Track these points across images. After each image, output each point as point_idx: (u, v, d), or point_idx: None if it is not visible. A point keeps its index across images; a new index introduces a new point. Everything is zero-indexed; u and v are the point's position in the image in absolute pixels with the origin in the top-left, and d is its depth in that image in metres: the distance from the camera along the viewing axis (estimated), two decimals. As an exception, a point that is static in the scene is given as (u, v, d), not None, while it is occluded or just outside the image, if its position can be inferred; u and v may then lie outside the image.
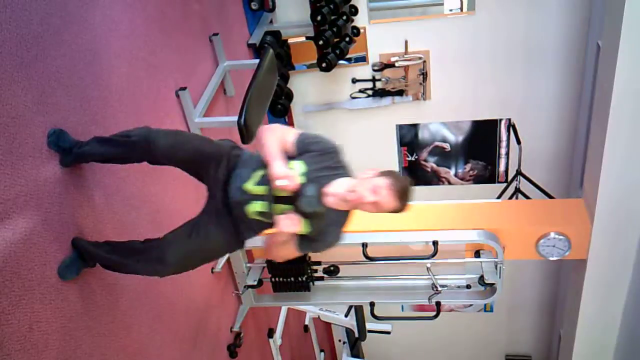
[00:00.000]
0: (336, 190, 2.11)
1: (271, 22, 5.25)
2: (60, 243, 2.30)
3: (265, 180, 2.15)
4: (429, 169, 6.11)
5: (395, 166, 6.11)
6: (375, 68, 5.55)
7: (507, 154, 5.86)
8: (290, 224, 2.10)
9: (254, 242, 3.78)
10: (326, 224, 2.18)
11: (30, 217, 2.15)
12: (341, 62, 5.29)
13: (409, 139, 5.95)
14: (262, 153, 2.16)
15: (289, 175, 2.07)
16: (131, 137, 2.26)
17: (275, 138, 2.16)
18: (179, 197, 3.40)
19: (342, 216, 2.22)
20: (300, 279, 4.03)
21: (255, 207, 2.19)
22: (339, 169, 2.19)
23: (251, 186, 2.19)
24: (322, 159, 2.17)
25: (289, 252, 2.25)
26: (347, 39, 5.10)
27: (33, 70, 2.21)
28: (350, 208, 2.17)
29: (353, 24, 5.21)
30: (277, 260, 2.32)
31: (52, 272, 2.25)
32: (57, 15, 2.40)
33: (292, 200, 2.13)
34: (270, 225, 2.20)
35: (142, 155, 2.30)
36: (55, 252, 2.27)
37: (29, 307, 2.12)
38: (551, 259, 3.95)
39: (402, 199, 2.10)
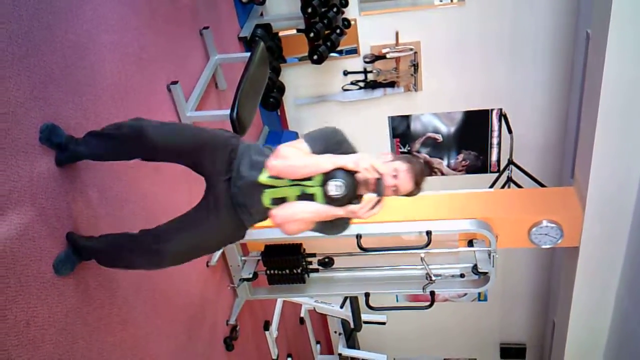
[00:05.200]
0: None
1: (261, 15, 5.24)
2: (55, 238, 2.31)
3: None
4: (421, 160, 6.12)
5: (387, 158, 6.12)
6: (367, 60, 5.55)
7: (499, 143, 5.89)
8: (375, 210, 2.14)
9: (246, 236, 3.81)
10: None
11: (25, 212, 2.15)
12: (332, 54, 5.29)
13: (401, 130, 5.97)
14: (310, 171, 2.14)
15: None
16: (122, 128, 2.26)
17: (297, 151, 2.17)
18: (173, 192, 3.40)
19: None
20: (295, 271, 4.03)
21: (270, 195, 2.21)
22: (343, 145, 2.24)
23: (265, 179, 2.20)
24: (336, 148, 2.22)
25: (304, 228, 2.25)
26: (338, 31, 5.10)
27: (24, 66, 2.20)
28: (370, 191, 2.18)
29: (343, 15, 5.21)
30: (286, 233, 2.28)
31: (48, 267, 2.26)
32: (48, 11, 2.39)
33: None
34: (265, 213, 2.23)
35: (134, 149, 2.29)
36: (50, 248, 2.27)
37: (26, 302, 2.12)
38: (544, 247, 3.98)
39: (419, 182, 2.17)
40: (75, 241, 2.38)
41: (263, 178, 2.20)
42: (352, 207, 2.13)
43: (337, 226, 2.28)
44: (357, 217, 2.16)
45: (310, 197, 2.18)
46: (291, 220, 2.20)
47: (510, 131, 5.24)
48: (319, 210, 2.16)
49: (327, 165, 2.11)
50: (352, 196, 2.13)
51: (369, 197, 2.15)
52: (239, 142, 2.32)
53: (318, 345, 6.59)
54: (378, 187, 2.09)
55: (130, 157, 2.35)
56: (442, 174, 6.19)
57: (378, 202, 2.13)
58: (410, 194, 2.20)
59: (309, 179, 2.16)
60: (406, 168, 2.14)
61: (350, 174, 2.10)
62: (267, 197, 2.22)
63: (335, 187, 2.07)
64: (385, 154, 2.22)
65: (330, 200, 2.12)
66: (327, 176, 2.10)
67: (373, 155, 2.17)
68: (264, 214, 2.29)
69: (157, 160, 2.35)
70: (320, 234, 2.32)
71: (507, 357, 7.87)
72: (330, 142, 2.22)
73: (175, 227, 2.29)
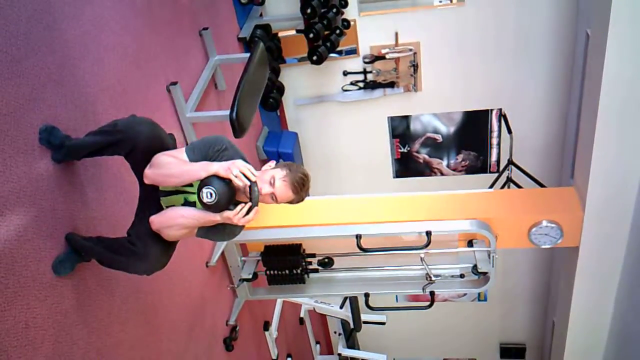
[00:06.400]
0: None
1: (261, 15, 5.23)
2: (54, 239, 2.31)
3: None
4: (421, 160, 6.13)
5: (387, 158, 6.13)
6: (366, 60, 5.55)
7: (499, 144, 5.89)
8: (250, 216, 2.16)
9: (246, 236, 3.81)
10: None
11: (24, 213, 2.15)
12: (332, 54, 5.29)
13: (400, 130, 5.97)
14: (185, 179, 2.17)
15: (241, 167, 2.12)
16: (118, 125, 2.27)
17: (174, 160, 2.19)
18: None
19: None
20: (294, 271, 4.03)
21: (165, 203, 2.28)
22: (225, 152, 2.24)
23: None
24: (216, 156, 2.23)
25: (185, 234, 2.29)
26: (338, 31, 5.10)
27: (23, 67, 2.20)
28: (247, 198, 2.18)
29: (343, 16, 5.21)
30: (167, 238, 2.32)
31: (47, 268, 2.26)
32: (46, 12, 2.39)
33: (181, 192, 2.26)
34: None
35: (126, 145, 2.28)
36: (49, 248, 2.27)
37: (25, 303, 2.12)
38: (543, 247, 3.97)
39: (297, 190, 2.18)
40: (75, 242, 2.38)
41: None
42: (227, 213, 2.16)
43: (224, 232, 2.31)
44: (234, 223, 2.19)
45: (193, 204, 2.24)
46: (168, 225, 2.24)
47: (510, 131, 5.24)
48: (195, 215, 2.21)
49: (201, 173, 2.13)
50: (227, 202, 2.15)
51: (244, 204, 2.18)
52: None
53: (318, 346, 6.59)
54: (251, 193, 2.12)
55: (123, 152, 2.33)
56: (442, 174, 6.19)
57: (251, 208, 2.16)
58: (291, 202, 2.23)
59: (191, 186, 2.21)
60: (282, 176, 2.16)
61: (226, 181, 2.13)
62: (163, 204, 2.30)
63: (207, 194, 2.10)
64: (271, 162, 2.26)
65: (205, 207, 2.15)
66: (202, 183, 2.13)
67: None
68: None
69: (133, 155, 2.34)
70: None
71: (506, 357, 7.87)
72: (210, 150, 2.24)
73: (146, 231, 2.29)
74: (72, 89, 2.52)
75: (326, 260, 4.03)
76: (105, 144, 2.29)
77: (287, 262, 4.01)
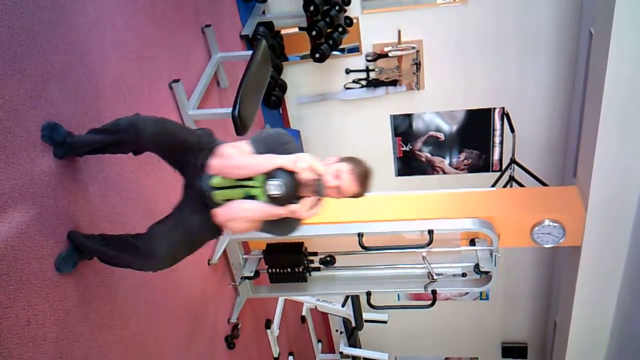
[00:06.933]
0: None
1: (263, 13, 5.23)
2: (57, 236, 2.30)
3: None
4: (423, 159, 6.13)
5: (389, 156, 6.12)
6: (369, 58, 5.54)
7: (501, 142, 5.88)
8: (315, 210, 2.19)
9: (248, 234, 3.80)
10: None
11: (26, 210, 2.14)
12: (334, 52, 5.28)
13: (403, 129, 5.96)
14: (252, 171, 2.18)
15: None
16: (120, 124, 2.26)
17: (238, 152, 2.21)
18: (173, 189, 3.38)
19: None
20: (296, 269, 4.03)
21: (220, 196, 2.25)
22: (287, 147, 2.25)
23: (215, 180, 2.24)
24: (280, 150, 2.24)
25: (249, 227, 2.28)
26: (340, 29, 5.09)
27: (26, 64, 2.20)
28: (311, 192, 2.19)
29: (346, 14, 5.20)
30: (232, 231, 2.33)
31: (49, 265, 2.25)
32: (49, 8, 2.39)
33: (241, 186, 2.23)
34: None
35: (130, 143, 2.28)
36: (51, 246, 2.27)
37: (27, 300, 2.12)
38: (546, 246, 3.97)
39: (363, 183, 2.19)
40: (77, 239, 2.38)
41: (213, 180, 2.26)
42: (292, 207, 2.17)
43: (286, 226, 2.31)
44: (298, 217, 2.21)
45: (254, 199, 2.23)
46: (233, 218, 2.24)
47: (512, 130, 5.23)
48: (260, 208, 2.20)
49: (267, 165, 2.15)
50: (292, 196, 2.16)
51: (309, 197, 2.19)
52: (218, 143, 2.35)
53: (319, 344, 6.60)
54: (317, 187, 2.14)
55: (127, 151, 2.35)
56: (444, 172, 6.18)
57: (317, 201, 2.17)
58: (356, 195, 2.24)
59: (251, 179, 2.21)
60: (349, 169, 2.17)
61: (291, 174, 2.13)
62: (218, 198, 2.27)
63: (274, 187, 2.11)
64: (331, 157, 2.26)
65: (271, 200, 2.15)
66: (268, 176, 2.13)
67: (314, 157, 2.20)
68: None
69: (145, 151, 2.35)
70: (275, 234, 2.36)
71: (508, 356, 7.86)
72: (274, 143, 2.24)
73: (163, 228, 2.30)
74: (74, 86, 2.51)
75: (328, 258, 4.03)
76: (107, 143, 2.29)
77: (289, 261, 4.02)
